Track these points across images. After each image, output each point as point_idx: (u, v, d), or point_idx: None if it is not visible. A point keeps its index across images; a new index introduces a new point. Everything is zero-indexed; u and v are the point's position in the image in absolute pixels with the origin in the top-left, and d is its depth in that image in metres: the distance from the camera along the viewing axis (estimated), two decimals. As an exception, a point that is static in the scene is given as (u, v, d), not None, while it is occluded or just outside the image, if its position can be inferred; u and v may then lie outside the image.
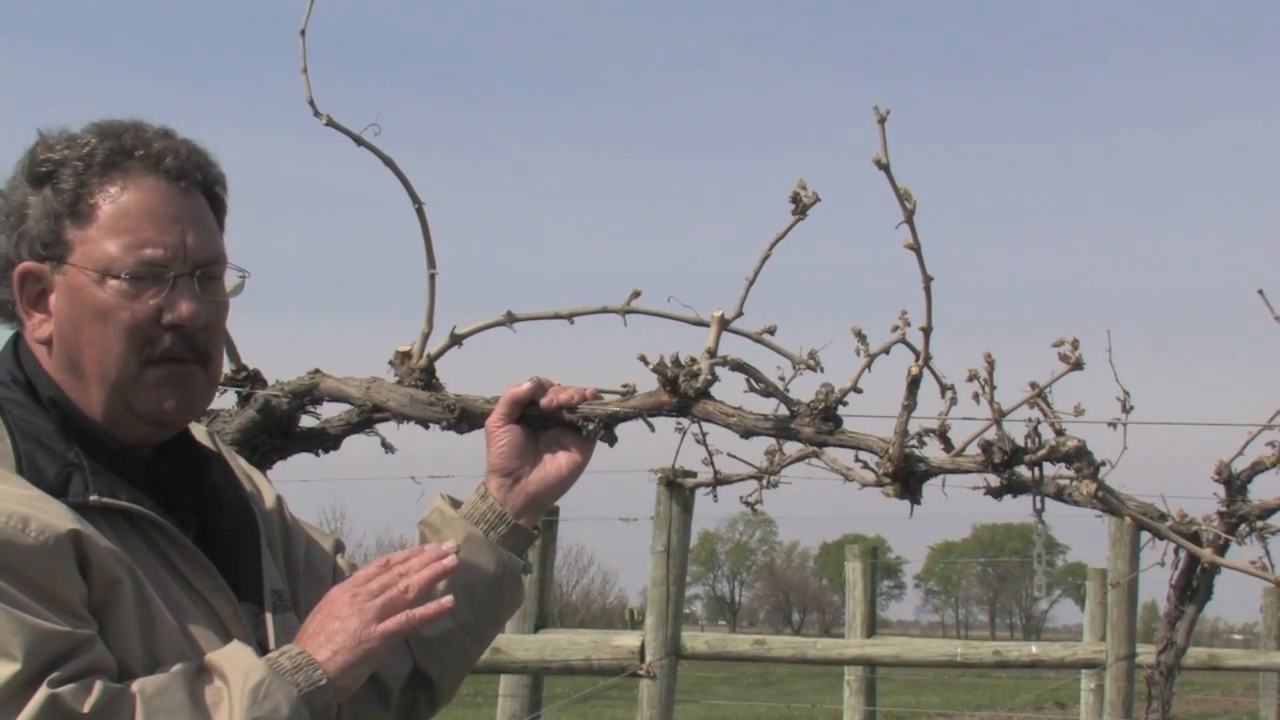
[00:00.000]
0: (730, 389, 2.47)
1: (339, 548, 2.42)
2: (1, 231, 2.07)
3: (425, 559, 2.10)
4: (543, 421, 2.41)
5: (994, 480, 2.45)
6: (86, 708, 1.81)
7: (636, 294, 2.67)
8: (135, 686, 1.86)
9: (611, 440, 2.45)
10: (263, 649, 2.04)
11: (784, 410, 2.47)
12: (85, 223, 2.04)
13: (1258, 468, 3.21)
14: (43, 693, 1.80)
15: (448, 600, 2.07)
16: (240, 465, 2.31)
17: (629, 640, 7.09)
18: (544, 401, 2.40)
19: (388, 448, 3.09)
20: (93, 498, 1.96)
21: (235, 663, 1.94)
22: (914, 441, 2.45)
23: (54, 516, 1.89)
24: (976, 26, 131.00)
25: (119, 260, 2.03)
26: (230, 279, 2.15)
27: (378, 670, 2.22)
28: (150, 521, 2.02)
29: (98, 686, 1.83)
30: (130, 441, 2.07)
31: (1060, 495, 2.43)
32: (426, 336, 2.79)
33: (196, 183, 2.11)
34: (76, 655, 1.85)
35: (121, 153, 2.06)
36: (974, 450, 2.45)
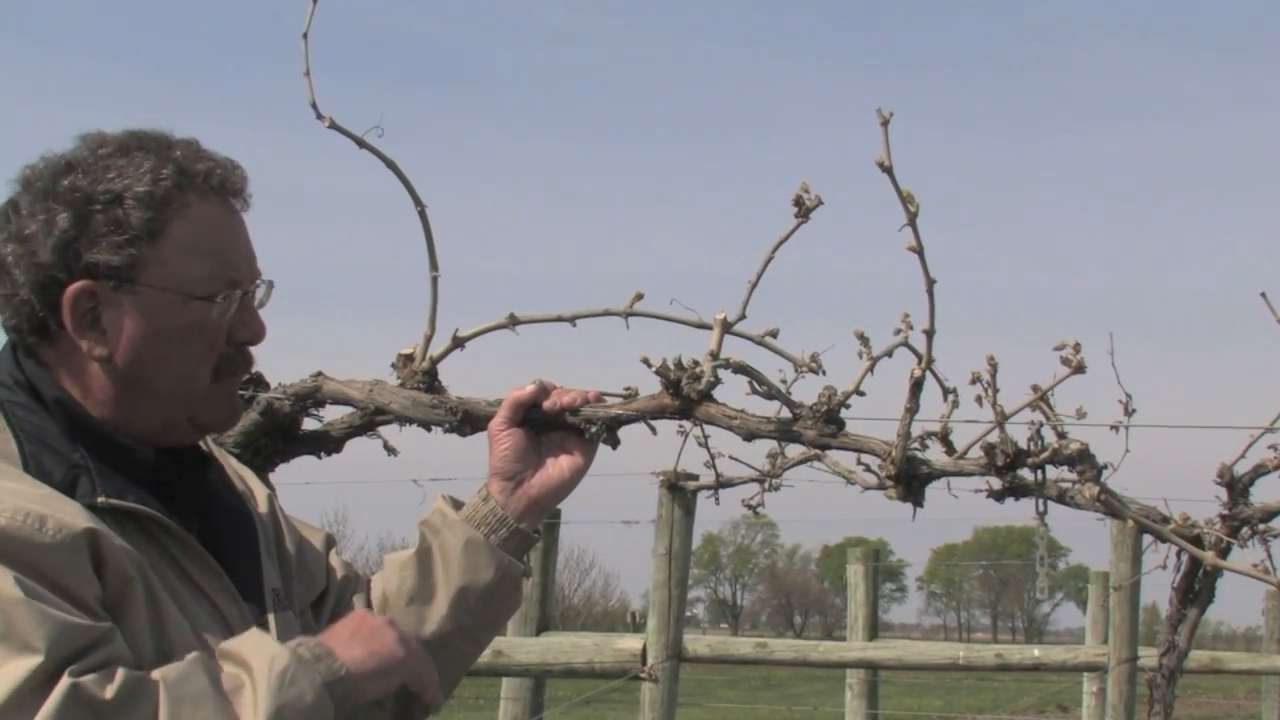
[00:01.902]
0: (733, 392, 2.48)
1: (330, 543, 2.42)
2: (39, 252, 2.03)
3: None
4: (545, 424, 2.41)
5: (996, 483, 2.45)
6: (109, 694, 1.81)
7: (639, 296, 2.67)
8: (157, 674, 1.87)
9: (614, 443, 2.45)
10: None
11: (786, 413, 2.47)
12: (161, 245, 2.05)
13: (1260, 471, 3.21)
14: (65, 682, 1.80)
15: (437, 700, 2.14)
16: (231, 465, 2.32)
17: (631, 643, 7.09)
18: (546, 404, 2.40)
19: (390, 450, 3.09)
20: (100, 499, 1.97)
21: (259, 649, 1.94)
22: (916, 444, 2.45)
23: (70, 515, 1.90)
24: (976, 25, 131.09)
25: (204, 282, 2.06)
26: (260, 289, 2.17)
27: None
28: (156, 523, 2.02)
29: (120, 674, 1.83)
30: (148, 441, 2.08)
31: (1063, 498, 2.44)
32: (429, 339, 2.79)
33: (244, 201, 2.15)
34: (98, 648, 1.85)
35: (184, 174, 2.07)
36: (976, 453, 2.45)
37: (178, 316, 2.05)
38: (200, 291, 2.06)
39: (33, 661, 1.80)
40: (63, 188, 2.05)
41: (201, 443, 2.23)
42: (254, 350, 2.17)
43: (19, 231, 2.05)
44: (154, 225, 2.04)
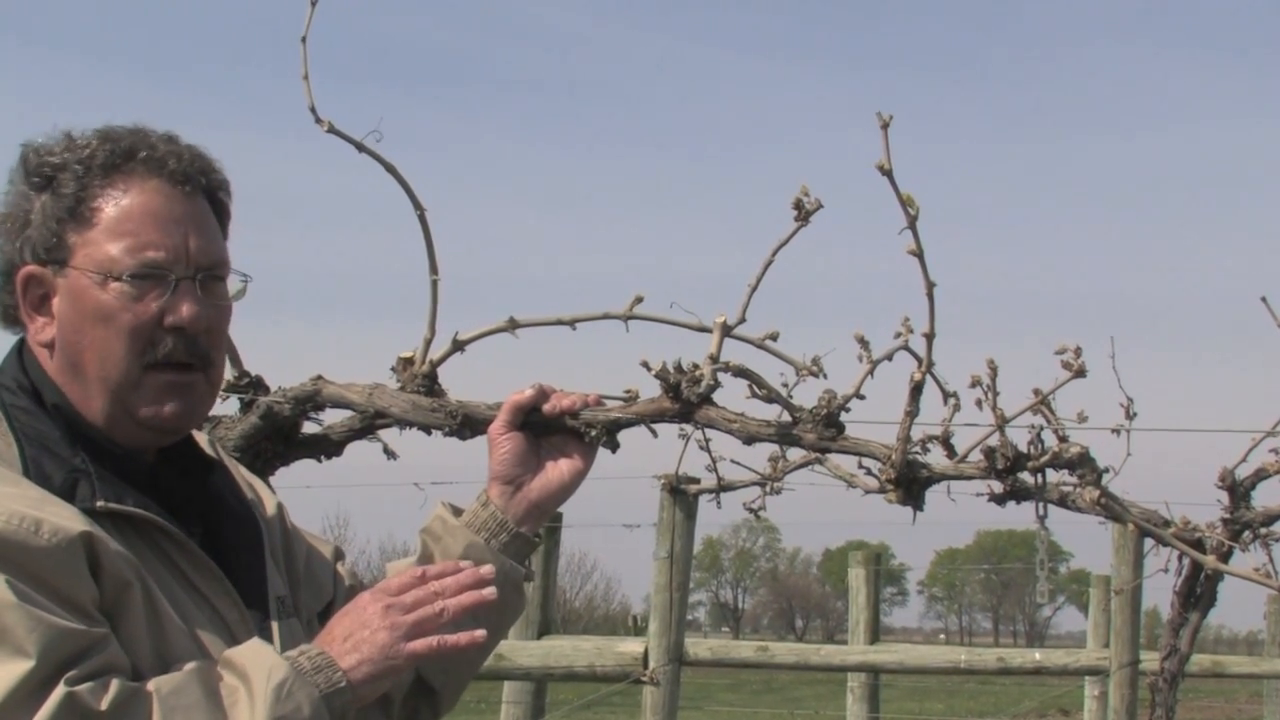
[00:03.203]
0: (733, 395, 2.47)
1: (339, 555, 2.41)
2: (4, 236, 2.07)
3: (464, 581, 2.05)
4: (545, 428, 2.41)
5: (997, 486, 2.45)
6: (104, 705, 1.81)
7: (639, 300, 2.66)
8: (151, 685, 1.86)
9: (614, 446, 2.44)
10: None
11: (787, 416, 2.47)
12: (87, 226, 2.04)
13: (1261, 474, 3.20)
14: (60, 691, 1.80)
15: (480, 633, 2.02)
16: (241, 473, 2.31)
17: (632, 646, 7.09)
18: (546, 408, 2.40)
19: (390, 454, 3.09)
20: (99, 503, 1.96)
21: (257, 660, 1.93)
22: (917, 448, 2.45)
23: (65, 519, 1.90)
24: (977, 28, 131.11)
25: (120, 262, 2.03)
26: (233, 284, 2.15)
27: None
28: (156, 527, 2.02)
29: (114, 684, 1.83)
30: (132, 447, 2.07)
31: (1064, 502, 2.43)
32: (429, 342, 2.78)
33: (200, 187, 2.11)
34: (92, 654, 1.85)
35: (123, 155, 2.06)
36: (977, 456, 2.45)
37: (97, 297, 2.03)
38: (116, 271, 2.03)
39: (25, 666, 1.80)
40: (19, 173, 2.07)
41: (208, 449, 2.22)
42: (199, 339, 2.08)
43: None
44: (76, 204, 2.04)
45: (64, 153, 2.06)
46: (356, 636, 1.99)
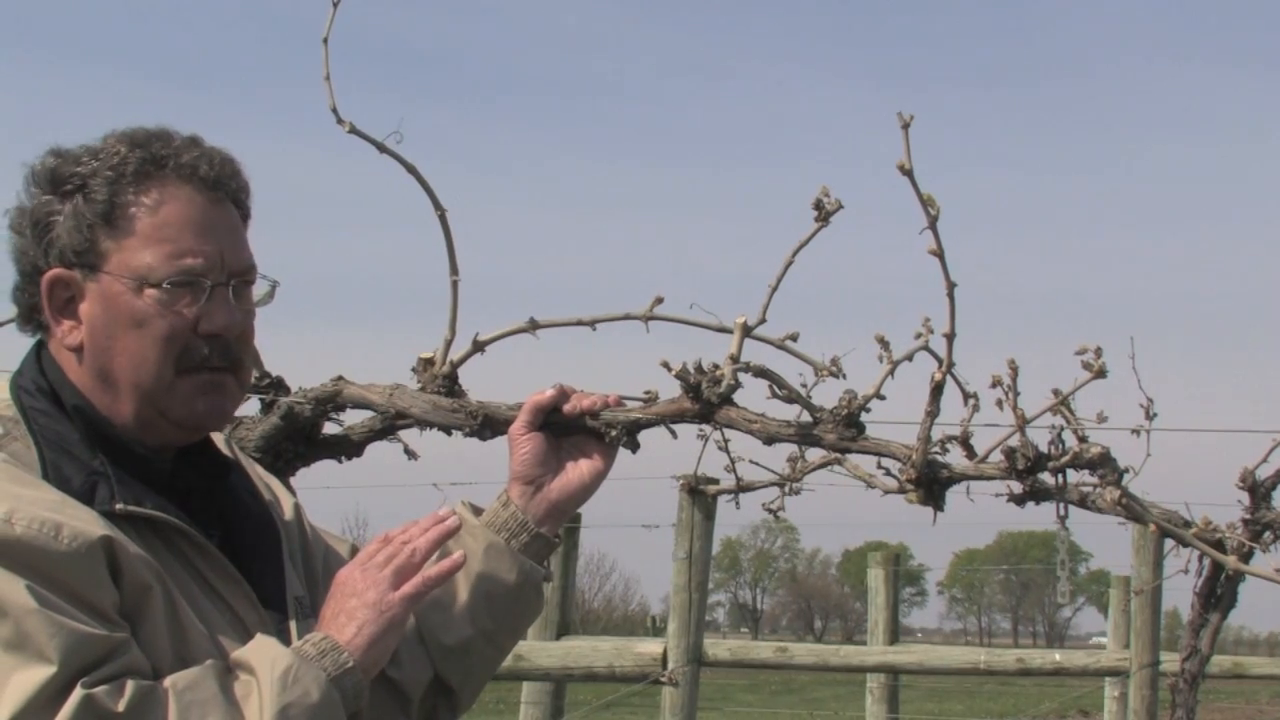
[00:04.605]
0: (753, 396, 2.47)
1: (355, 552, 2.42)
2: (28, 239, 2.08)
3: (426, 524, 2.15)
4: (565, 428, 2.41)
5: (1017, 487, 2.44)
6: (121, 706, 1.82)
7: (659, 301, 2.66)
8: (167, 682, 1.87)
9: (634, 447, 2.45)
10: None
11: (807, 417, 2.46)
12: (121, 232, 2.04)
13: (1282, 475, 3.19)
14: (78, 694, 1.81)
15: (460, 555, 2.15)
16: (258, 473, 2.31)
17: (651, 647, 7.09)
18: (567, 408, 2.40)
19: (410, 455, 3.09)
20: (119, 506, 1.97)
21: (261, 653, 1.95)
22: (937, 448, 2.44)
23: (85, 523, 1.90)
24: (999, 36, 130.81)
25: (158, 269, 2.04)
26: (260, 287, 2.16)
27: (398, 678, 2.22)
28: (176, 529, 2.02)
29: (131, 685, 1.84)
30: (157, 445, 2.08)
31: (1084, 502, 2.43)
32: (449, 343, 2.79)
33: (229, 192, 2.12)
34: (112, 658, 1.86)
35: (154, 162, 2.07)
36: (997, 457, 2.44)
37: (132, 303, 2.04)
38: (152, 278, 2.04)
39: (47, 672, 1.81)
40: (44, 176, 2.07)
41: (225, 449, 2.23)
42: (237, 347, 2.11)
43: (12, 224, 2.09)
44: (110, 210, 2.04)
45: (92, 160, 2.06)
46: (348, 607, 2.04)
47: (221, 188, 2.11)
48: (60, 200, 2.06)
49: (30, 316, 2.11)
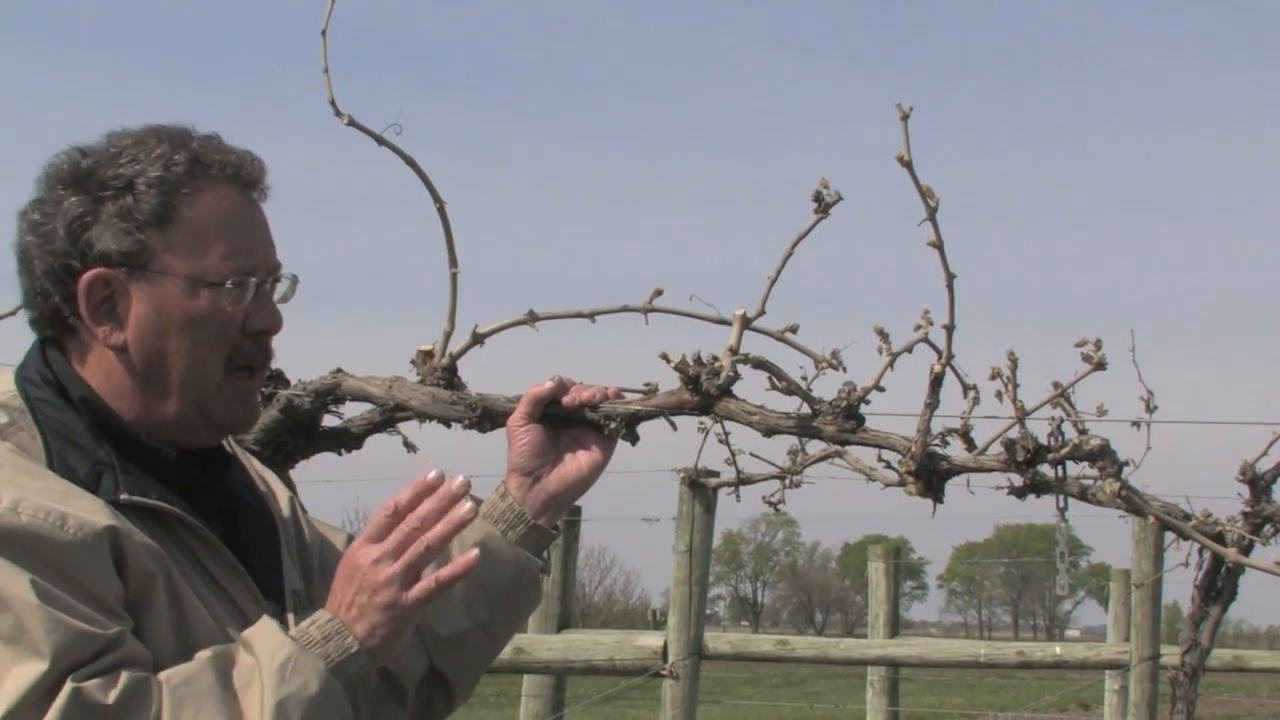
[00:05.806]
0: (752, 388, 2.47)
1: (351, 542, 2.42)
2: (61, 239, 2.04)
3: (436, 507, 2.01)
4: (564, 420, 2.41)
5: (1017, 480, 2.44)
6: (111, 699, 1.82)
7: (658, 293, 2.66)
8: (162, 675, 1.87)
9: (633, 439, 2.44)
10: None
11: (806, 409, 2.46)
12: (173, 232, 2.05)
13: (1282, 468, 3.18)
14: (67, 688, 1.81)
15: (474, 555, 2.01)
16: (254, 466, 2.32)
17: (652, 640, 7.09)
18: (566, 400, 2.40)
19: (410, 447, 3.09)
20: (123, 496, 1.97)
21: (263, 640, 1.94)
22: (936, 440, 2.44)
23: (90, 513, 1.90)
24: (998, 23, 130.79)
25: (215, 269, 2.05)
26: (282, 284, 2.17)
27: (394, 669, 2.22)
28: (179, 520, 2.03)
29: (123, 677, 1.84)
30: (169, 441, 2.08)
31: (1084, 495, 2.43)
32: (448, 335, 2.79)
33: (262, 192, 2.14)
34: (106, 653, 1.85)
35: (200, 162, 2.07)
36: (997, 449, 2.44)
37: (187, 303, 2.05)
38: (210, 278, 2.05)
39: (39, 668, 1.81)
40: (77, 176, 2.06)
41: (224, 443, 2.23)
42: (274, 346, 2.16)
43: (37, 223, 2.07)
44: (164, 211, 2.04)
45: (133, 161, 2.05)
46: (360, 603, 1.99)
47: (256, 186, 2.13)
48: (99, 201, 2.04)
49: (53, 317, 2.09)
